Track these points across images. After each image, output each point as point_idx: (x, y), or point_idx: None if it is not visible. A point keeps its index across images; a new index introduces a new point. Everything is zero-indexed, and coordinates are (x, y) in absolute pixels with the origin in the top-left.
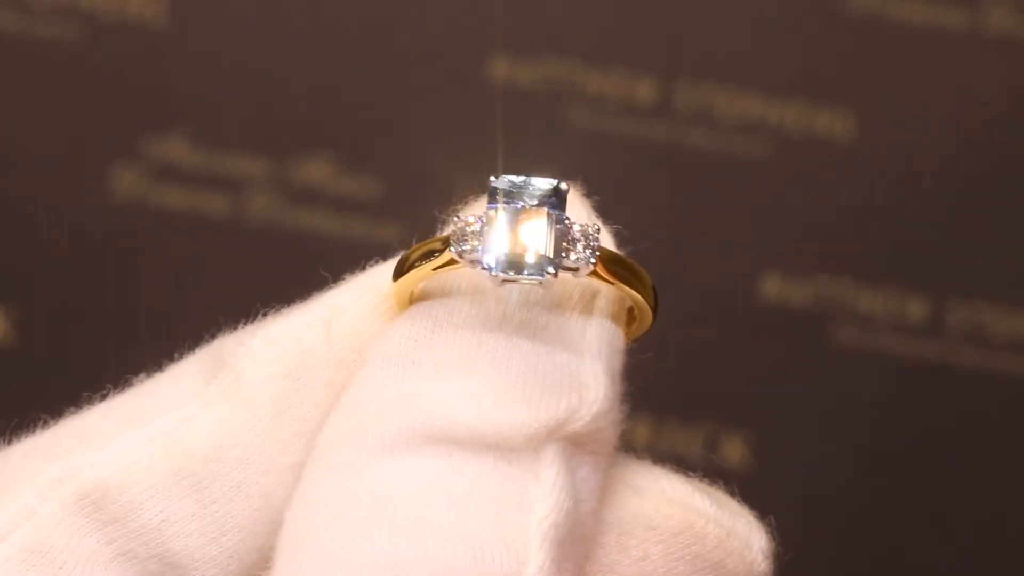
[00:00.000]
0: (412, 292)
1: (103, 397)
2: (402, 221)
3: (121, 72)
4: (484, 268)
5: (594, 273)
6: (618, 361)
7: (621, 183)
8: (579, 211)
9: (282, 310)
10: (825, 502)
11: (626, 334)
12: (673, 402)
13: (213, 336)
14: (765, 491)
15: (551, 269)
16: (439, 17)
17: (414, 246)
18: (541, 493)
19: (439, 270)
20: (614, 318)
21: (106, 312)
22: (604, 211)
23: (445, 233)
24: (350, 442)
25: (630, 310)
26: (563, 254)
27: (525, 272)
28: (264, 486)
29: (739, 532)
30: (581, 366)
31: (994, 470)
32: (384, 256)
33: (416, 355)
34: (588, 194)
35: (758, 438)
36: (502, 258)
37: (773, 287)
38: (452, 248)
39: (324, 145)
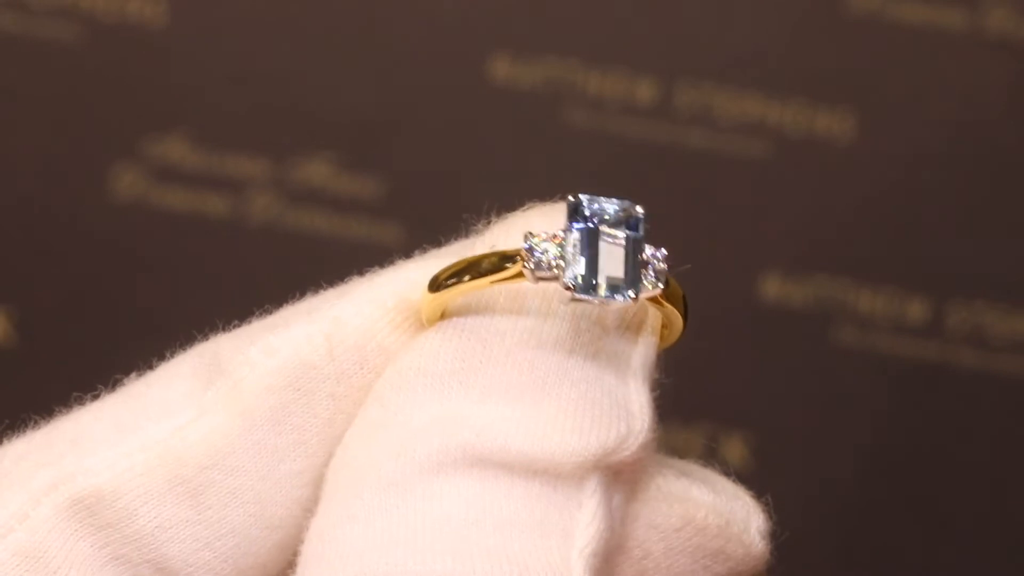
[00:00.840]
0: (446, 307)
1: (95, 397)
2: (402, 221)
3: (121, 72)
4: (566, 287)
5: (652, 297)
6: (652, 390)
7: (621, 183)
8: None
9: (277, 310)
10: (825, 502)
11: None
12: (673, 402)
13: (207, 336)
14: (765, 491)
15: (631, 293)
16: (439, 17)
17: (459, 260)
18: (583, 521)
19: (499, 284)
20: (654, 344)
21: (106, 312)
22: None
23: (506, 248)
24: (395, 458)
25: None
26: (639, 279)
27: (602, 294)
28: (260, 492)
29: (737, 516)
30: (628, 395)
31: (994, 470)
32: (383, 258)
33: (464, 375)
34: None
35: (758, 438)
36: (581, 280)
37: (773, 287)
38: (526, 265)
39: (324, 145)
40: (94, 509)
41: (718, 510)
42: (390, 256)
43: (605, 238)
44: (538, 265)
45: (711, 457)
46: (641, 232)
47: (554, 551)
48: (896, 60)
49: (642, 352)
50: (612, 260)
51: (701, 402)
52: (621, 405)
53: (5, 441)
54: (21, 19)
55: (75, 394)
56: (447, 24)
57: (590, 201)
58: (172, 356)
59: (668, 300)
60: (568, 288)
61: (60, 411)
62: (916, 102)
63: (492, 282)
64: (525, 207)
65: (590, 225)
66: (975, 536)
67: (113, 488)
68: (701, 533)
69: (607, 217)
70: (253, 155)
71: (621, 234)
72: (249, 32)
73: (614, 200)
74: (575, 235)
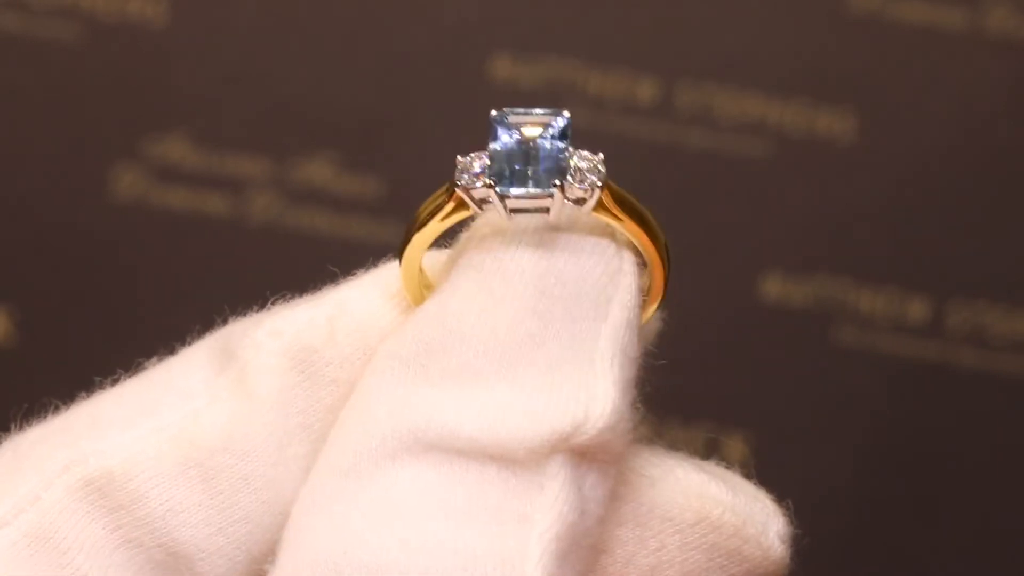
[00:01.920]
0: (420, 273)
1: (114, 382)
2: (402, 221)
3: (121, 72)
4: (490, 186)
5: (602, 207)
6: (631, 369)
7: (621, 183)
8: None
9: (289, 302)
10: (825, 502)
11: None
12: (673, 402)
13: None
14: (765, 491)
15: (556, 181)
16: (439, 17)
17: (417, 213)
18: (544, 505)
19: (447, 220)
20: (630, 321)
21: (106, 312)
22: None
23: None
24: (355, 444)
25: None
26: (568, 178)
27: (530, 185)
28: (272, 478)
29: (755, 518)
30: (591, 377)
31: (994, 470)
32: (383, 259)
33: (426, 359)
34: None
35: (758, 438)
36: (506, 172)
37: (773, 287)
38: (458, 184)
39: (324, 145)
40: (105, 491)
41: (735, 509)
42: (390, 256)
43: (529, 145)
44: (466, 183)
45: (711, 457)
46: (568, 138)
47: (508, 537)
48: (896, 60)
49: (610, 334)
50: (538, 162)
51: (701, 402)
52: (580, 388)
53: (20, 428)
54: (21, 19)
55: (96, 378)
56: (447, 24)
57: (513, 112)
58: (179, 350)
59: (640, 225)
60: (491, 186)
61: (63, 407)
62: (916, 102)
63: (440, 220)
64: None
65: (511, 135)
66: (975, 536)
67: (124, 470)
68: (717, 531)
69: (530, 124)
70: (253, 155)
71: (547, 139)
72: (249, 32)
73: (539, 109)
74: (496, 147)
